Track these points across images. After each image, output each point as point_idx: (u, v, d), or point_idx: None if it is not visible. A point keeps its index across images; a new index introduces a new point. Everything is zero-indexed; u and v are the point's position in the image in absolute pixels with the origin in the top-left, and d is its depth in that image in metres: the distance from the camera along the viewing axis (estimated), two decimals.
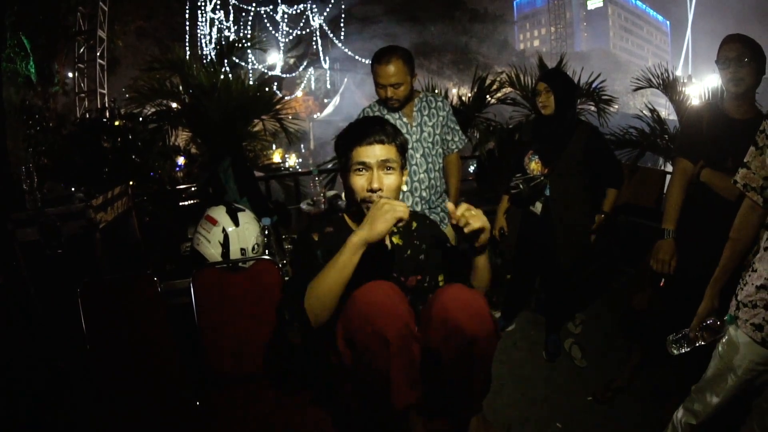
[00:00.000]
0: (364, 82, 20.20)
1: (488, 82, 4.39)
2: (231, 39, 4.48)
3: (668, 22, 52.87)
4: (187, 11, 16.83)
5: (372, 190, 1.25)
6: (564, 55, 5.11)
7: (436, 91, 4.60)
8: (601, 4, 50.50)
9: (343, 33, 19.89)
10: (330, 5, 19.01)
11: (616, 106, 4.79)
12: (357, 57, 19.51)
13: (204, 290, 1.77)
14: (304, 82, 23.22)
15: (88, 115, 9.09)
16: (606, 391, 2.08)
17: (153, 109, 3.98)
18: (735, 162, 1.41)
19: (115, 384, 1.71)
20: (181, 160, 5.39)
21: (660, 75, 4.03)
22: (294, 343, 1.32)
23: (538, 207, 2.32)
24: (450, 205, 1.18)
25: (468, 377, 1.21)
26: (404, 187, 1.35)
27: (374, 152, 1.25)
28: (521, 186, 2.25)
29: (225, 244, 2.06)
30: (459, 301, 1.16)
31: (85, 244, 2.34)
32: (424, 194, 2.20)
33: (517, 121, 4.29)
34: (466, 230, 1.15)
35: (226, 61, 4.00)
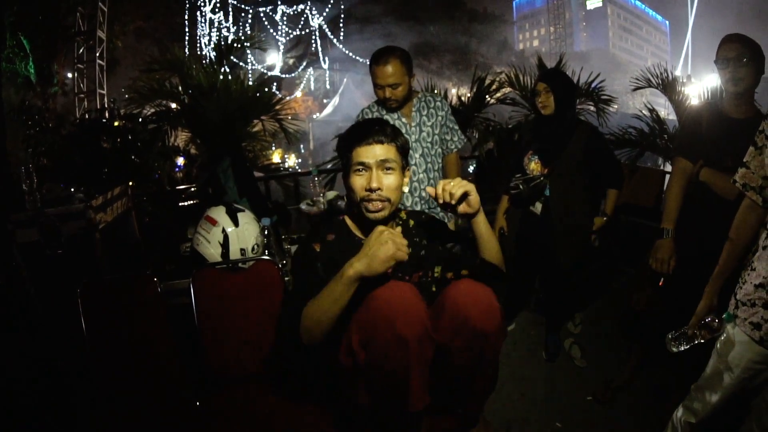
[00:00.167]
0: (363, 82, 20.18)
1: (487, 82, 4.39)
2: (230, 39, 4.47)
3: (667, 22, 52.94)
4: (187, 12, 16.84)
5: (371, 189, 1.25)
6: (563, 55, 5.12)
7: (436, 91, 4.60)
8: (600, 4, 50.54)
9: (342, 33, 19.92)
10: (329, 5, 19.03)
11: (616, 106, 4.80)
12: (356, 57, 19.54)
13: (204, 290, 1.77)
14: (304, 82, 23.23)
15: (87, 116, 9.07)
16: (606, 390, 2.08)
17: (152, 110, 3.97)
18: (734, 161, 1.41)
19: (115, 384, 1.70)
20: (180, 161, 5.40)
21: (659, 75, 4.04)
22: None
23: (538, 207, 2.32)
24: (430, 189, 1.22)
25: (476, 372, 1.21)
26: (405, 189, 1.35)
27: (373, 152, 1.26)
28: (521, 186, 2.25)
29: (225, 245, 2.06)
30: (470, 296, 1.17)
31: (85, 244, 2.34)
32: (423, 194, 2.20)
33: (517, 121, 4.29)
34: (452, 201, 1.18)
35: (225, 61, 3.99)
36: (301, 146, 20.46)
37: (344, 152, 1.31)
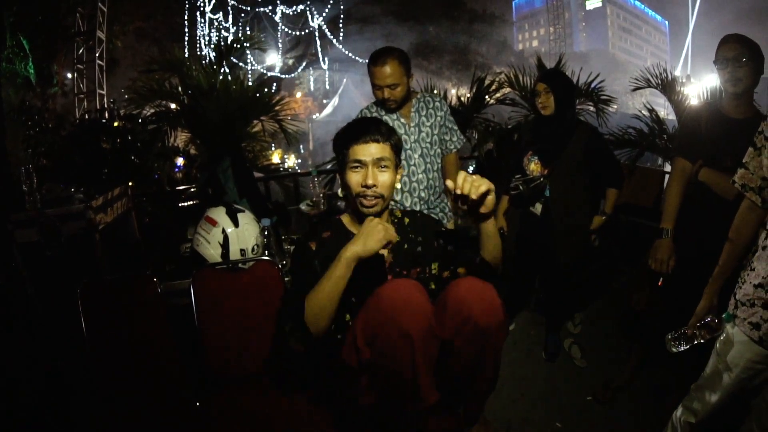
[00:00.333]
0: (363, 82, 20.18)
1: (487, 82, 4.39)
2: (230, 39, 4.46)
3: (667, 22, 52.92)
4: (186, 12, 16.85)
5: (367, 186, 1.29)
6: (563, 55, 5.10)
7: (435, 91, 4.59)
8: (599, 5, 50.54)
9: (342, 33, 19.93)
10: (329, 6, 19.04)
11: (615, 106, 4.79)
12: (356, 57, 19.54)
13: (204, 291, 1.77)
14: (303, 82, 23.23)
15: (87, 116, 9.09)
16: (606, 390, 2.08)
17: (152, 110, 3.97)
18: (733, 161, 1.42)
19: (115, 384, 1.70)
20: (180, 161, 5.40)
21: (659, 75, 4.03)
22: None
23: (538, 208, 2.32)
24: (450, 182, 1.16)
25: (478, 371, 1.22)
26: (397, 185, 1.38)
27: (369, 150, 1.31)
28: (521, 187, 2.25)
29: (225, 245, 2.06)
30: (473, 292, 1.18)
31: (85, 244, 2.35)
32: (422, 194, 2.20)
33: (516, 121, 4.29)
34: (474, 196, 1.13)
35: (224, 61, 3.99)
36: (301, 147, 20.47)
37: (340, 149, 1.35)
